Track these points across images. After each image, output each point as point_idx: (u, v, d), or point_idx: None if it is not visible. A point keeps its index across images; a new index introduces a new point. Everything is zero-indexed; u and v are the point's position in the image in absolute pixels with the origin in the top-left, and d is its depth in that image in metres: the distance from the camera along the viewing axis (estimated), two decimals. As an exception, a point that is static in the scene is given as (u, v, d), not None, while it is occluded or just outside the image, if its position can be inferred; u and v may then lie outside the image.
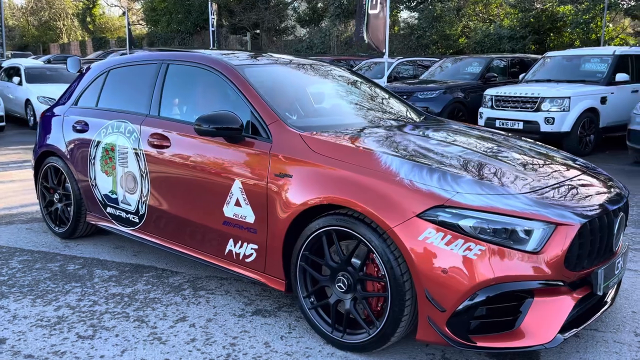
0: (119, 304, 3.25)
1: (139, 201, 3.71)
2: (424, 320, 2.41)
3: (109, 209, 4.00)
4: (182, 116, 3.63)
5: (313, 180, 2.75)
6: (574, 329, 2.46)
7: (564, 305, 2.44)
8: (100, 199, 4.04)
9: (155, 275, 3.71)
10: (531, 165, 2.87)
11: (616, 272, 2.71)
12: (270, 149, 2.97)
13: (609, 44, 15.46)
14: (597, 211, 2.54)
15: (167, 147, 3.46)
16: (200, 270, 3.79)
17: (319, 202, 2.67)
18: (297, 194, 2.78)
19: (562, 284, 2.41)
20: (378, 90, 4.16)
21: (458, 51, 19.24)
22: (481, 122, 9.69)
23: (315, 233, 2.72)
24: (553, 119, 8.81)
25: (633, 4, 15.36)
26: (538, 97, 9.03)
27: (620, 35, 16.99)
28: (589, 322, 2.55)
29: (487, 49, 17.57)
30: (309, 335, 2.87)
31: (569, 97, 8.86)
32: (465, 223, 2.34)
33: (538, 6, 17.44)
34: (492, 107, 9.58)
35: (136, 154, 3.65)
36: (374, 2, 12.93)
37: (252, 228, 3.03)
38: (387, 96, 4.10)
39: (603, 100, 9.29)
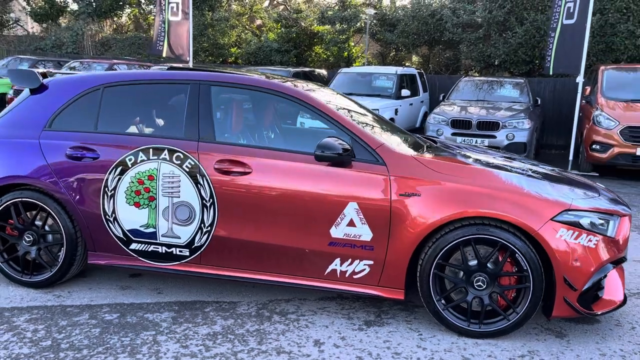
0: (232, 342, 3.06)
1: (196, 232, 3.44)
2: (560, 300, 3.12)
3: (134, 245, 3.55)
4: (251, 140, 3.53)
5: (445, 197, 3.16)
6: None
7: (619, 273, 3.43)
8: (121, 236, 3.54)
9: (217, 308, 3.50)
10: (570, 175, 3.82)
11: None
12: (387, 171, 3.24)
13: (363, 63, 18.19)
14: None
15: (247, 173, 3.34)
16: (254, 296, 3.71)
17: (463, 215, 3.11)
18: (431, 210, 3.15)
19: (625, 258, 3.40)
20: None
21: (224, 60, 19.89)
22: None
23: (453, 243, 3.16)
24: None
25: (378, 29, 18.40)
26: None
27: (362, 55, 20.05)
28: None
29: (260, 60, 18.69)
30: (440, 333, 3.27)
31: (378, 109, 10.44)
32: (584, 221, 3.13)
33: (302, 24, 19.32)
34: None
35: (196, 182, 3.39)
36: (175, 9, 12.71)
37: (369, 245, 3.26)
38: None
39: (396, 111, 11.24)
